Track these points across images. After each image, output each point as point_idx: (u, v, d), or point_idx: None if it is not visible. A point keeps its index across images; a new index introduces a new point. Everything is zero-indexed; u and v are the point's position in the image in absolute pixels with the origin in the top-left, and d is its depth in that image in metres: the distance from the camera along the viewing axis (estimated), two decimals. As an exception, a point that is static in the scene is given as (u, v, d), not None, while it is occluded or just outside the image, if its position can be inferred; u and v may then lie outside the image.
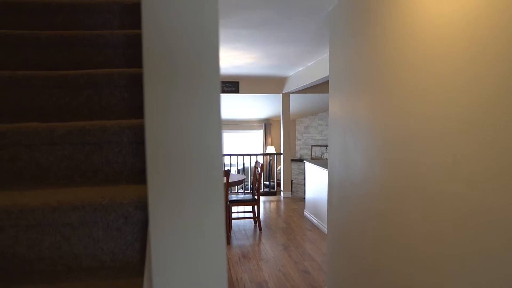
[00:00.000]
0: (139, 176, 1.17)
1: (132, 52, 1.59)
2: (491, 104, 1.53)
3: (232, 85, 7.68)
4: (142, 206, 0.93)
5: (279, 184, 8.83)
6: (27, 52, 1.56)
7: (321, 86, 7.56)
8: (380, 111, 2.38)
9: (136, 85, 1.38)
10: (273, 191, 8.69)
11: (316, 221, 5.79)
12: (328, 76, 3.49)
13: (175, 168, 0.61)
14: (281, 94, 8.10)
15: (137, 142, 1.16)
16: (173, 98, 0.61)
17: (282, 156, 8.03)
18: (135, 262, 0.97)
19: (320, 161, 6.31)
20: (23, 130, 1.13)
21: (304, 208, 6.64)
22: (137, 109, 1.38)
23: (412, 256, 2.05)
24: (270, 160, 9.50)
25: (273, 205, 7.36)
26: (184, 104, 0.61)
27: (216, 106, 0.63)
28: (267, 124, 11.55)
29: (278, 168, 9.53)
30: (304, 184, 7.31)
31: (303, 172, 10.18)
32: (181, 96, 0.61)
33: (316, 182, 5.90)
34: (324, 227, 5.37)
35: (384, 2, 2.32)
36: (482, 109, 1.58)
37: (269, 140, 11.58)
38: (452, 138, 1.75)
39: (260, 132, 11.76)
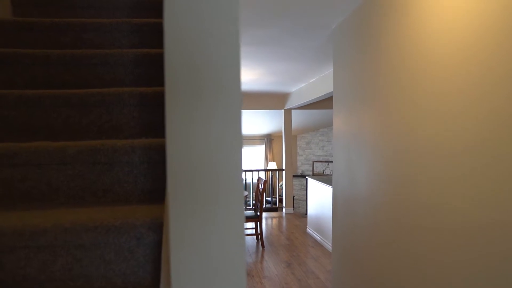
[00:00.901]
0: (149, 196, 1.16)
1: (141, 71, 1.60)
2: (497, 124, 1.53)
3: (234, 101, 7.69)
4: (155, 227, 0.92)
5: (281, 200, 8.79)
6: (36, 70, 1.57)
7: (322, 102, 7.58)
8: (385, 128, 2.38)
9: (146, 104, 1.39)
10: (275, 207, 8.64)
11: (319, 238, 5.74)
12: (330, 92, 3.49)
13: (198, 186, 0.60)
14: (283, 110, 8.13)
15: (148, 162, 1.16)
16: (196, 115, 0.60)
17: (284, 172, 8.01)
18: (147, 284, 0.96)
19: (323, 177, 6.29)
20: (34, 150, 1.13)
21: (306, 225, 6.59)
22: (146, 128, 1.38)
23: (419, 271, 2.02)
24: (272, 175, 9.47)
25: (275, 221, 7.31)
26: (206, 120, 0.61)
27: (238, 122, 0.63)
28: (268, 140, 11.56)
29: (280, 183, 9.50)
30: (306, 200, 7.28)
31: (304, 188, 10.14)
32: (204, 113, 0.61)
33: (318, 198, 5.87)
34: (327, 244, 5.32)
35: (389, 21, 2.34)
36: (487, 128, 1.58)
37: (270, 156, 11.57)
38: (458, 156, 1.75)
39: (262, 148, 11.77)
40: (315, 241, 5.78)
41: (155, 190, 1.16)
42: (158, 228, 0.92)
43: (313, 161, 11.10)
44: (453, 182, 1.78)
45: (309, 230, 6.28)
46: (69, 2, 2.00)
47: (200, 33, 0.62)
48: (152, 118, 1.39)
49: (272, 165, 11.15)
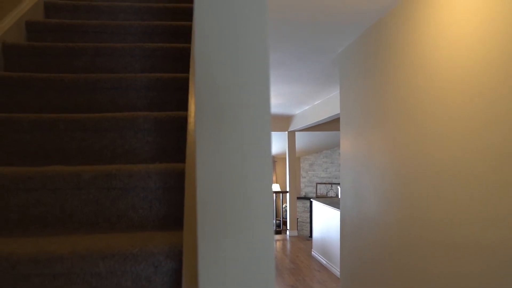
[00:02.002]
0: (164, 221, 1.15)
1: (154, 95, 1.61)
2: (505, 149, 1.53)
3: (239, 123, 7.72)
4: (173, 255, 0.91)
5: (284, 223, 8.71)
6: (51, 95, 1.58)
7: (326, 124, 7.60)
8: (393, 149, 2.38)
9: (159, 128, 1.39)
10: (279, 230, 8.56)
11: (324, 262, 5.66)
12: (335, 114, 3.50)
13: (228, 212, 0.59)
14: (287, 132, 8.14)
15: (163, 187, 1.15)
16: (225, 140, 0.60)
17: (288, 194, 7.96)
18: (163, 314, 0.94)
19: (327, 200, 6.25)
20: (49, 174, 1.13)
21: (311, 248, 6.51)
22: (160, 153, 1.38)
23: (434, 302, 1.98)
24: (275, 197, 9.42)
25: (279, 244, 7.23)
26: (237, 145, 0.61)
27: (268, 146, 0.63)
28: (272, 162, 11.54)
29: (284, 206, 9.43)
30: (310, 223, 7.22)
31: (308, 210, 10.06)
32: (234, 138, 0.61)
33: (324, 221, 5.82)
34: (333, 267, 5.24)
35: (396, 45, 2.37)
36: (496, 153, 1.57)
37: (273, 178, 11.54)
38: (468, 180, 1.74)
39: (265, 169, 11.71)
40: (321, 264, 5.70)
41: (170, 216, 1.15)
42: (177, 256, 0.91)
43: (317, 183, 11.06)
44: (464, 204, 1.76)
45: (314, 253, 6.20)
46: (83, 27, 2.03)
47: (230, 59, 0.62)
48: (165, 143, 1.39)
49: (276, 187, 11.11)
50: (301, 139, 9.42)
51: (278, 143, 10.14)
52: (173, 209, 1.15)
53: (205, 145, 0.60)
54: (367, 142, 2.77)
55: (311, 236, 6.57)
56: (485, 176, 1.64)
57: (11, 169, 1.14)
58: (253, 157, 0.62)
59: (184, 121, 1.39)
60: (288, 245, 7.08)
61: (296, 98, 5.78)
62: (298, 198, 10.83)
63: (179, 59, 1.87)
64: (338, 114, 4.73)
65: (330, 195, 10.55)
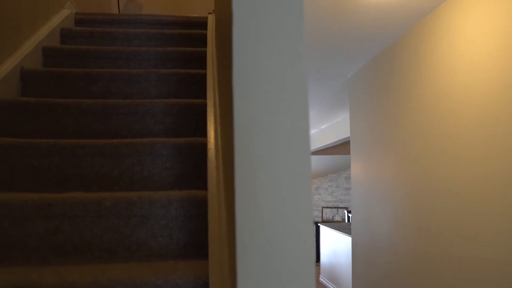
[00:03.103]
0: (185, 250, 1.13)
1: (170, 121, 1.61)
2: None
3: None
4: (199, 286, 0.88)
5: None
6: (68, 120, 1.58)
7: (332, 148, 7.59)
8: (406, 174, 2.35)
9: (178, 154, 1.38)
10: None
11: (332, 287, 5.55)
12: (342, 139, 3.48)
13: (271, 249, 0.58)
14: (292, 155, 8.11)
15: (184, 215, 1.14)
16: (265, 168, 0.59)
17: (294, 218, 7.87)
18: None
19: (334, 224, 6.18)
20: (69, 202, 1.11)
21: (319, 273, 6.39)
22: (178, 179, 1.37)
23: (454, 334, 1.92)
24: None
25: (285, 269, 7.10)
26: (277, 182, 0.59)
27: (308, 175, 0.61)
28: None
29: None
30: (317, 248, 7.11)
31: (313, 235, 9.92)
32: (274, 167, 0.59)
33: (332, 246, 5.73)
34: (341, 295, 5.13)
35: (407, 69, 2.38)
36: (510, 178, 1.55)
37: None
38: (483, 201, 1.71)
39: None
40: (328, 291, 5.58)
41: (191, 245, 1.13)
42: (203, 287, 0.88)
43: (322, 207, 10.95)
44: (479, 225, 1.73)
45: (322, 279, 6.08)
46: (98, 53, 2.05)
47: (269, 87, 0.62)
48: (184, 169, 1.38)
49: (281, 211, 10.98)
50: (307, 163, 9.36)
51: (284, 167, 10.08)
52: (194, 237, 1.13)
53: (245, 185, 0.59)
54: (378, 166, 2.75)
55: (318, 261, 6.46)
56: (499, 197, 1.61)
57: (30, 196, 1.12)
58: (294, 195, 0.60)
59: (203, 147, 1.39)
60: (295, 271, 6.95)
61: (303, 122, 5.79)
62: (304, 222, 10.69)
63: (193, 85, 1.88)
64: (346, 138, 4.73)
65: (336, 220, 10.44)
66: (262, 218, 0.58)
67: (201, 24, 2.62)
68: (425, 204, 2.17)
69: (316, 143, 6.47)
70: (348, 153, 5.09)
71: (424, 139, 2.20)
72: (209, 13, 2.59)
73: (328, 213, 10.80)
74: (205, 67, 2.10)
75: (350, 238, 3.41)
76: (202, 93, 1.87)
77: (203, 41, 2.37)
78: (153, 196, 1.13)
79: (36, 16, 2.06)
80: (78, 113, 1.59)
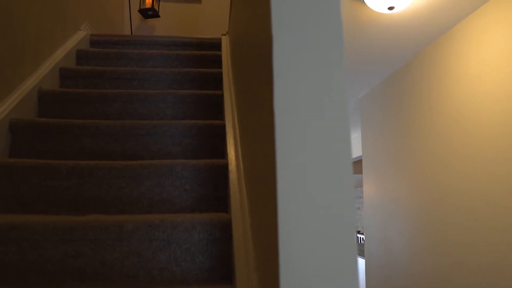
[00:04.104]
0: (208, 275, 1.10)
1: (188, 142, 1.60)
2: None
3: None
4: (227, 315, 0.86)
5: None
6: (85, 140, 1.58)
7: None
8: (421, 194, 2.32)
9: (198, 176, 1.37)
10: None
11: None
12: (353, 158, 3.43)
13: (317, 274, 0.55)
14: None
15: (207, 238, 1.11)
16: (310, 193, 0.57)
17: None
18: None
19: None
20: (91, 225, 1.09)
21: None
22: (198, 202, 1.35)
23: None
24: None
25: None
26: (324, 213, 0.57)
27: (351, 200, 0.59)
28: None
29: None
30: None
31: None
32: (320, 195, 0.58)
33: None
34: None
35: (420, 89, 2.37)
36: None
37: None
38: (505, 222, 1.67)
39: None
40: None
41: (214, 269, 1.10)
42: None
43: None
44: (500, 247, 1.68)
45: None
46: (114, 74, 2.06)
47: (311, 115, 0.61)
48: (203, 191, 1.36)
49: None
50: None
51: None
52: (217, 262, 1.11)
53: (288, 218, 0.57)
54: (391, 185, 2.72)
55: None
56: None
57: (51, 218, 1.11)
58: (337, 231, 0.58)
59: (223, 169, 1.37)
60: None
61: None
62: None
63: (210, 105, 1.88)
64: (357, 157, 4.70)
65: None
66: (306, 256, 0.56)
67: (215, 45, 2.64)
68: (441, 224, 2.13)
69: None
70: (359, 172, 5.06)
71: (438, 159, 2.17)
72: (222, 35, 2.61)
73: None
74: (220, 88, 2.11)
75: (364, 260, 3.35)
76: (219, 114, 1.87)
77: (217, 62, 2.38)
78: (176, 219, 1.11)
79: (54, 38, 2.08)
80: (95, 134, 1.58)
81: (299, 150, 0.59)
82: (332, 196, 0.59)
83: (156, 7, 3.52)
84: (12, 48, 1.64)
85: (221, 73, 2.12)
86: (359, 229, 7.25)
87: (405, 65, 2.57)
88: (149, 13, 3.53)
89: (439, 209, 2.16)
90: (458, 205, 2.00)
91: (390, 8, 1.69)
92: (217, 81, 2.12)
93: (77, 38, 2.38)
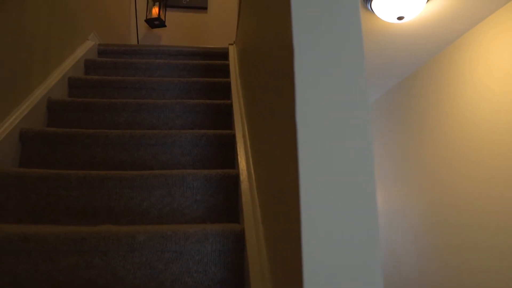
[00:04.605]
0: (220, 286, 1.09)
1: (198, 151, 1.60)
2: None
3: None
4: (243, 328, 0.84)
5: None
6: (95, 150, 1.58)
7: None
8: (429, 202, 2.30)
9: (209, 186, 1.36)
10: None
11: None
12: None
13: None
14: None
15: (220, 249, 1.10)
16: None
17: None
18: None
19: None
20: (103, 235, 1.09)
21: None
22: (209, 212, 1.34)
23: None
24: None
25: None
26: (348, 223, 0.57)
27: (375, 215, 0.58)
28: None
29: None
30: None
31: None
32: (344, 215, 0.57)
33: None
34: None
35: (427, 100, 2.36)
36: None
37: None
38: (509, 226, 1.65)
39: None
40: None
41: (226, 281, 1.09)
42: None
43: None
44: (510, 254, 1.66)
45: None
46: (122, 83, 2.07)
47: (333, 126, 0.60)
48: (214, 201, 1.35)
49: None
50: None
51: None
52: (230, 273, 1.09)
53: (312, 231, 0.56)
54: (399, 196, 2.70)
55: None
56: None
57: (63, 229, 1.10)
58: (362, 247, 0.57)
59: (234, 179, 1.36)
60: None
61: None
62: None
63: (219, 115, 1.88)
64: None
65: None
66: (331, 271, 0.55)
67: (221, 54, 2.65)
68: (447, 228, 2.11)
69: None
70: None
71: (446, 166, 2.16)
72: (229, 44, 2.62)
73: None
74: (228, 97, 2.11)
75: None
76: (228, 124, 1.87)
77: (224, 72, 2.39)
78: (188, 230, 1.10)
79: (62, 48, 2.09)
80: (105, 143, 1.58)
81: (323, 162, 0.58)
82: (357, 209, 0.58)
83: (162, 16, 3.54)
84: (21, 59, 1.65)
85: (229, 83, 2.12)
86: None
87: (413, 74, 2.57)
88: (155, 23, 3.55)
89: (450, 218, 2.14)
90: (464, 209, 1.98)
91: (400, 18, 1.69)
92: (225, 90, 2.12)
93: (85, 48, 2.39)
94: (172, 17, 3.79)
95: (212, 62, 2.40)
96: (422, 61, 2.41)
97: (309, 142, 0.59)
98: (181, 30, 3.78)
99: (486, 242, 1.87)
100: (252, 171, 1.24)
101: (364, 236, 0.57)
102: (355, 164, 0.59)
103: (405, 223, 2.61)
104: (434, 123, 2.33)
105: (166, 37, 3.75)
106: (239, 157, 1.39)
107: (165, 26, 3.60)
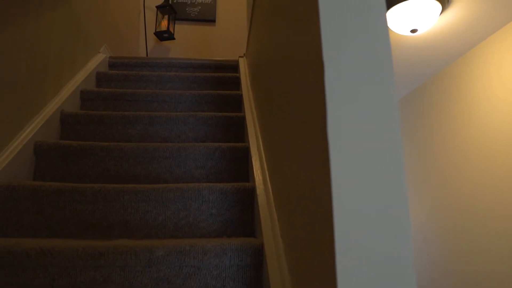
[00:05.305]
0: (239, 303, 1.07)
1: (212, 165, 1.59)
2: None
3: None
4: None
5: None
6: (109, 163, 1.57)
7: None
8: (438, 208, 2.28)
9: (224, 200, 1.35)
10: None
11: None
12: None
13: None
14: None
15: (238, 264, 1.09)
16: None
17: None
18: None
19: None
20: (121, 250, 1.08)
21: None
22: (225, 226, 1.33)
23: None
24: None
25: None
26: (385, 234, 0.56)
27: (408, 227, 0.57)
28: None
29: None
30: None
31: None
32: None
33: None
34: None
35: (439, 109, 2.35)
36: None
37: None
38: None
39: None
40: None
41: (246, 297, 1.08)
42: None
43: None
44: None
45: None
46: (134, 96, 2.08)
47: (366, 139, 0.59)
48: (230, 215, 1.34)
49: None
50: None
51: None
52: (249, 289, 1.08)
53: (346, 249, 0.55)
54: (412, 205, 2.68)
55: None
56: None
57: (81, 243, 1.09)
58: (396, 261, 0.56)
59: (250, 192, 1.35)
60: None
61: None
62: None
63: (231, 127, 1.87)
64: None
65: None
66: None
67: (232, 67, 2.66)
68: (466, 244, 2.08)
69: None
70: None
71: (457, 175, 2.14)
72: (240, 57, 2.63)
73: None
74: (240, 110, 2.11)
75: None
76: (240, 136, 1.86)
77: (235, 84, 2.39)
78: (206, 244, 1.09)
79: (75, 61, 2.11)
80: (120, 156, 1.58)
81: (356, 176, 0.57)
82: (391, 227, 0.57)
83: (171, 29, 3.57)
84: (36, 72, 1.66)
85: (240, 95, 2.12)
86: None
87: (424, 84, 2.56)
88: (164, 36, 3.58)
89: (453, 218, 2.11)
90: (477, 217, 1.96)
91: (413, 31, 1.69)
92: (237, 103, 2.12)
93: (97, 61, 2.41)
94: (181, 29, 3.82)
95: (222, 74, 2.41)
96: (434, 72, 2.41)
97: (341, 157, 0.58)
98: (190, 42, 3.80)
99: (494, 247, 1.85)
100: (269, 185, 1.23)
101: (398, 257, 0.56)
102: (388, 180, 0.58)
103: (416, 231, 2.59)
104: (444, 131, 2.32)
105: (175, 50, 3.77)
106: (254, 170, 1.38)
107: (174, 38, 3.62)
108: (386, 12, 0.68)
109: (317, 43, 0.65)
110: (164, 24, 3.55)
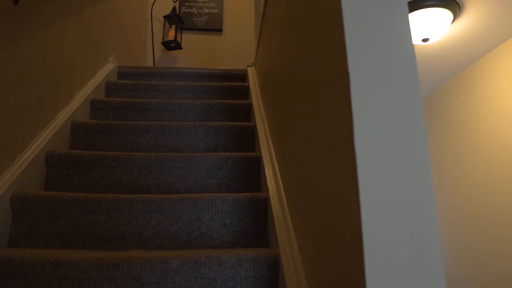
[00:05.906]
0: (256, 316, 1.06)
1: (224, 174, 1.58)
2: None
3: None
4: None
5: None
6: (120, 173, 1.57)
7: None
8: (449, 209, 2.25)
9: (237, 210, 1.34)
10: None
11: None
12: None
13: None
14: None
15: (254, 276, 1.08)
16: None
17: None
18: None
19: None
20: (136, 261, 1.07)
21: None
22: (238, 236, 1.32)
23: None
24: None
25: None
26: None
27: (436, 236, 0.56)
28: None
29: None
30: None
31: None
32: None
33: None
34: None
35: (449, 116, 2.34)
36: None
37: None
38: None
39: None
40: None
41: (262, 310, 1.06)
42: None
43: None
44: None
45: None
46: (144, 105, 2.08)
47: (392, 149, 0.59)
48: (243, 226, 1.33)
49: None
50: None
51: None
52: (265, 301, 1.06)
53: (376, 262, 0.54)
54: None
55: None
56: None
57: (95, 255, 1.08)
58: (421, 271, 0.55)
59: (263, 203, 1.34)
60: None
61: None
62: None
63: (241, 137, 1.87)
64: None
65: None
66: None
67: (240, 76, 2.66)
68: (479, 250, 2.05)
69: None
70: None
71: (465, 193, 2.12)
72: (248, 66, 2.64)
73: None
74: (249, 119, 2.10)
75: None
76: (250, 146, 1.86)
77: (244, 93, 2.39)
78: (222, 256, 1.07)
79: (85, 71, 2.11)
80: (131, 166, 1.57)
81: (384, 187, 0.57)
82: (419, 239, 0.56)
83: (178, 39, 3.58)
84: (48, 82, 1.67)
85: (249, 104, 2.12)
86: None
87: (435, 92, 2.56)
88: (172, 45, 3.59)
89: (463, 220, 2.09)
90: (482, 217, 1.94)
91: (425, 40, 1.69)
92: (246, 112, 2.12)
93: (106, 70, 2.42)
94: (188, 39, 3.84)
95: (231, 83, 2.41)
96: (444, 80, 2.40)
97: (368, 169, 0.58)
98: (197, 52, 3.82)
99: (506, 249, 1.82)
100: (283, 195, 1.22)
101: (431, 266, 0.55)
102: (416, 186, 0.57)
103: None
104: (454, 137, 2.31)
105: (182, 59, 3.79)
106: (268, 180, 1.37)
107: (181, 48, 3.64)
108: (409, 23, 0.67)
109: (342, 54, 0.65)
110: (171, 34, 3.57)
